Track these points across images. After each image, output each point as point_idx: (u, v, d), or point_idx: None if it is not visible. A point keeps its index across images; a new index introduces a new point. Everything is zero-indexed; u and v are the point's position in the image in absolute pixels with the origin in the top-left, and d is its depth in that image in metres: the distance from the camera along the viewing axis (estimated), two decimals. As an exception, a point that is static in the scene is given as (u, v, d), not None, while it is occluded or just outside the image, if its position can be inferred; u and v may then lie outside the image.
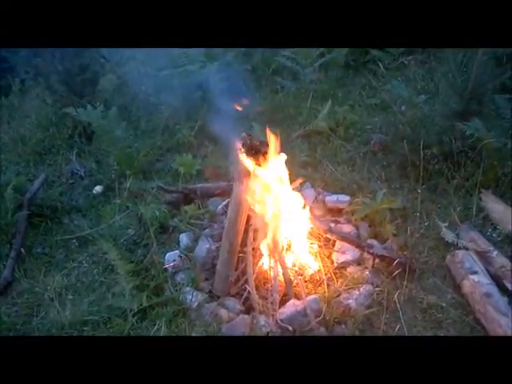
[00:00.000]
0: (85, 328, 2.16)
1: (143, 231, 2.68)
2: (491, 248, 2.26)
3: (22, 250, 2.56)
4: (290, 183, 2.17)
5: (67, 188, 3.11)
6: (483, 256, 2.24)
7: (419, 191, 2.69)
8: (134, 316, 2.15)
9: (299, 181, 2.15)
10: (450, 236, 2.38)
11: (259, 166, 1.82)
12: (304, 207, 2.21)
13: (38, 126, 3.49)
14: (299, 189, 2.65)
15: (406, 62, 3.48)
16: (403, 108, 3.01)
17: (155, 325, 2.11)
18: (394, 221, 2.55)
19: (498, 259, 2.19)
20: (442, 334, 1.99)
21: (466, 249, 2.28)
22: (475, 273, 2.10)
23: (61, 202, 2.93)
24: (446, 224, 2.45)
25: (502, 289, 2.07)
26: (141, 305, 2.18)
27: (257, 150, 1.69)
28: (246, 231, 2.23)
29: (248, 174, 1.95)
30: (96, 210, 2.92)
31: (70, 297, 2.33)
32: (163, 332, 2.07)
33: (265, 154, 1.71)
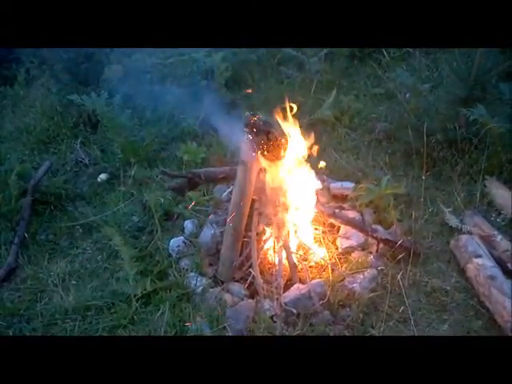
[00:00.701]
0: (88, 313, 2.16)
1: (148, 218, 2.68)
2: (495, 232, 2.25)
3: (26, 235, 2.56)
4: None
5: (72, 176, 3.11)
6: (487, 240, 2.23)
7: (423, 178, 2.69)
8: (137, 301, 2.16)
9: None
10: (454, 221, 2.37)
11: (264, 148, 1.81)
12: (310, 192, 2.20)
13: (42, 114, 3.49)
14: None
15: (410, 51, 3.47)
16: (407, 96, 3.00)
17: (159, 310, 2.11)
18: (398, 207, 2.54)
19: (502, 243, 2.19)
20: (446, 317, 1.99)
21: (470, 233, 2.27)
22: (479, 256, 2.10)
23: (65, 190, 2.93)
24: (450, 209, 2.45)
25: (506, 272, 2.07)
26: (145, 289, 2.19)
27: (260, 130, 1.68)
28: (251, 216, 2.23)
29: (252, 156, 1.95)
30: (100, 198, 2.93)
31: (74, 282, 2.34)
32: (167, 316, 2.07)
33: (268, 133, 1.70)
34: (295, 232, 2.32)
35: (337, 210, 2.31)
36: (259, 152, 1.81)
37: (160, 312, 2.09)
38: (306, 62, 3.78)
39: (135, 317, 2.12)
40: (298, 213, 2.33)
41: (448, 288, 2.10)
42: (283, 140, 1.83)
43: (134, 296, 2.16)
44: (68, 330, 2.09)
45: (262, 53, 4.07)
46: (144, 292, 2.18)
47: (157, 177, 2.97)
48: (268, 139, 1.71)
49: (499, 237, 2.23)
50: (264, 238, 2.29)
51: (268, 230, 2.28)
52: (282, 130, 1.82)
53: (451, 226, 2.39)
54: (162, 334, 2.01)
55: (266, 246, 2.31)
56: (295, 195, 2.22)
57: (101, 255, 2.52)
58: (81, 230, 2.70)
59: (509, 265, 2.11)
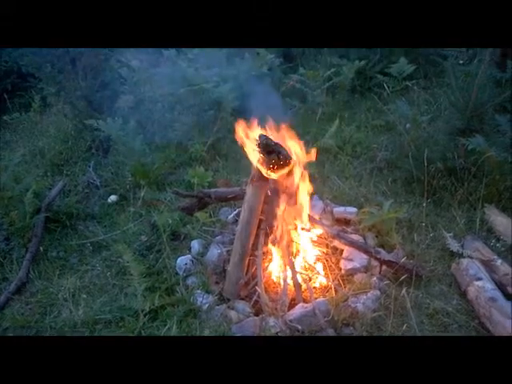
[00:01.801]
0: (97, 326, 2.21)
1: (156, 237, 2.77)
2: (495, 257, 2.31)
3: (41, 249, 2.64)
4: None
5: (83, 197, 3.23)
6: (487, 264, 2.29)
7: (424, 205, 2.79)
8: (145, 316, 2.20)
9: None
10: (455, 246, 2.44)
11: (274, 167, 1.91)
12: (313, 214, 2.29)
13: (57, 139, 3.65)
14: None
15: (410, 85, 3.66)
16: (408, 126, 3.15)
17: (166, 324, 2.15)
18: (399, 231, 2.63)
19: (502, 267, 2.24)
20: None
21: (471, 258, 2.34)
22: (480, 279, 2.15)
23: (76, 210, 3.04)
24: (451, 234, 2.52)
25: (506, 295, 2.12)
26: (153, 305, 2.24)
27: (271, 150, 1.80)
28: (258, 235, 2.31)
29: (261, 177, 2.05)
30: (110, 218, 3.03)
31: (84, 296, 2.39)
32: (174, 332, 2.11)
33: (279, 153, 1.81)
34: (299, 253, 2.39)
35: (341, 232, 2.38)
36: (269, 171, 1.91)
37: (167, 327, 2.13)
38: (309, 94, 3.97)
39: (143, 331, 2.15)
40: (303, 234, 2.42)
41: (450, 309, 2.14)
42: (291, 160, 1.94)
43: (142, 311, 2.21)
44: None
45: (268, 84, 4.27)
46: (152, 307, 2.23)
47: (165, 199, 3.08)
48: (278, 158, 1.82)
49: (499, 261, 2.28)
50: (270, 257, 2.36)
51: (274, 250, 2.35)
52: (289, 151, 1.93)
53: (452, 251, 2.46)
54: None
55: (271, 266, 2.37)
56: (301, 216, 2.31)
57: (109, 272, 2.58)
58: (91, 248, 2.78)
59: (509, 288, 2.15)
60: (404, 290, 2.11)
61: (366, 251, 2.28)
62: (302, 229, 2.33)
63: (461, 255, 2.40)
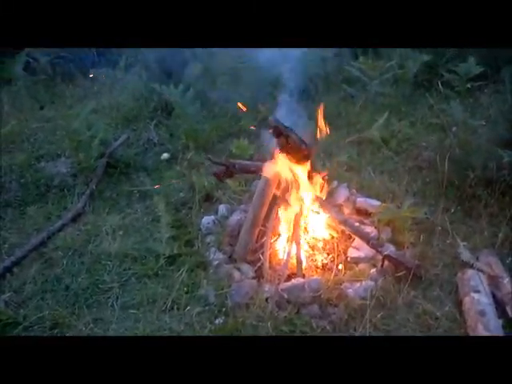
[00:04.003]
0: (125, 259, 2.63)
1: (191, 196, 3.11)
2: (504, 275, 2.27)
3: (94, 187, 3.14)
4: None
5: (141, 151, 3.68)
6: (494, 280, 2.26)
7: (452, 210, 2.76)
8: (164, 259, 2.57)
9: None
10: (466, 255, 2.42)
11: (285, 149, 2.09)
12: (323, 197, 2.43)
13: (131, 97, 4.13)
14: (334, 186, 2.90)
15: (469, 87, 3.46)
16: (454, 129, 3.06)
17: (179, 270, 2.50)
18: (416, 232, 2.65)
19: (508, 286, 2.21)
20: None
21: (480, 270, 2.31)
22: (477, 291, 2.15)
23: (133, 161, 3.49)
24: (465, 243, 2.49)
25: (503, 314, 2.11)
26: (172, 251, 2.60)
27: (281, 134, 1.96)
28: (271, 208, 2.52)
29: (278, 155, 2.25)
30: (159, 172, 3.44)
31: (121, 233, 2.83)
32: (184, 277, 2.45)
33: (288, 137, 1.97)
34: (308, 232, 2.56)
35: (349, 219, 2.49)
36: (281, 152, 2.10)
37: (180, 272, 2.47)
38: (368, 84, 3.94)
39: (160, 272, 2.52)
40: (317, 216, 2.57)
41: (438, 314, 2.18)
42: (303, 146, 2.09)
43: (163, 255, 2.58)
44: (107, 270, 2.57)
45: (331, 68, 4.31)
46: (171, 253, 2.58)
47: (207, 164, 3.40)
48: (287, 142, 1.98)
49: (506, 279, 2.24)
50: (280, 230, 2.56)
51: (284, 225, 2.55)
52: (301, 138, 2.08)
53: (463, 260, 2.44)
54: (175, 293, 2.37)
55: (280, 240, 2.58)
56: (315, 197, 2.46)
57: (146, 218, 2.99)
58: (137, 195, 3.22)
59: (507, 307, 2.13)
60: (397, 291, 2.18)
61: (367, 241, 2.38)
62: (312, 211, 2.48)
63: (471, 266, 2.39)
